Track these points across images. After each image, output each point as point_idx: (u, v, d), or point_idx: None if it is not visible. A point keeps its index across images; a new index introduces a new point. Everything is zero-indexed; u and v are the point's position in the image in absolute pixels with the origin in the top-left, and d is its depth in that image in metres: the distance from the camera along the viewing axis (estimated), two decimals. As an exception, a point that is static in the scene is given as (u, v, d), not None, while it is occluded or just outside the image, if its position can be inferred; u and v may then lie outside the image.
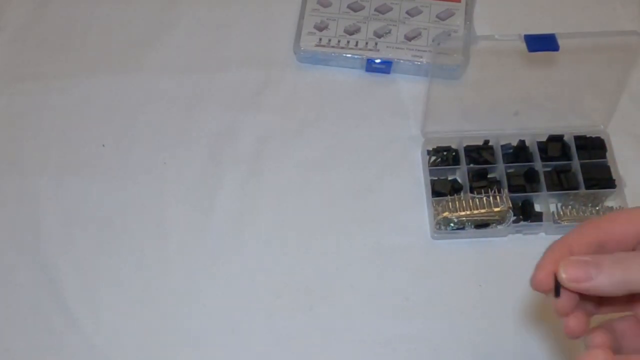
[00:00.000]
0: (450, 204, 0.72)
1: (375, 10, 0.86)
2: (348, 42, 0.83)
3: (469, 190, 0.73)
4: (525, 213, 0.73)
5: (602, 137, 0.77)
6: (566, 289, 0.41)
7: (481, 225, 0.72)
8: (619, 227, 0.43)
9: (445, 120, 0.77)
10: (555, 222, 0.72)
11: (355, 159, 0.78)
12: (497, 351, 0.68)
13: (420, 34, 0.84)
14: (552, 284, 0.41)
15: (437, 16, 0.85)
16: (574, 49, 0.69)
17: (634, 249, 0.42)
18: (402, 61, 0.82)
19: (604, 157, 0.76)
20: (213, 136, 0.80)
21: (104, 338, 0.69)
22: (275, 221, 0.75)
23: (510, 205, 0.71)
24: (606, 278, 0.40)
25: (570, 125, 0.77)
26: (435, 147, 0.78)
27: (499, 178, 0.75)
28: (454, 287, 0.71)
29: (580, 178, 0.74)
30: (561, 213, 0.73)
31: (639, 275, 0.39)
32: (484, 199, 0.72)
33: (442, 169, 0.76)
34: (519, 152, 0.76)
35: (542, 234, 0.73)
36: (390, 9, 0.86)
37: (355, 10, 0.86)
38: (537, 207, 0.74)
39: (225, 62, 0.85)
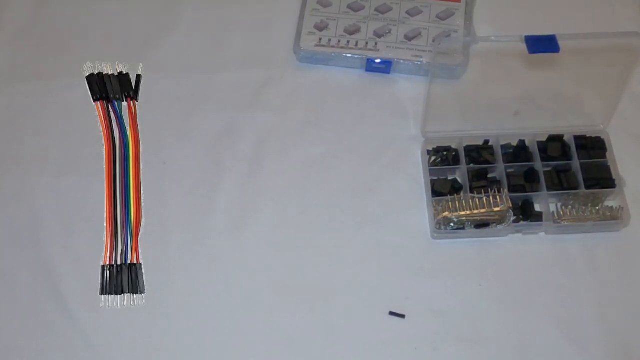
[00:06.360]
0: (450, 204, 0.72)
1: (375, 10, 0.86)
2: (348, 42, 0.83)
3: (469, 190, 0.73)
4: (525, 213, 0.73)
5: (602, 137, 0.77)
6: None
7: (481, 225, 0.72)
8: None
9: (445, 120, 0.77)
10: (555, 222, 0.72)
11: (355, 159, 0.78)
12: (497, 350, 0.68)
13: (420, 34, 0.84)
14: None
15: (437, 16, 0.85)
16: (574, 49, 0.69)
17: None
18: (402, 61, 0.82)
19: (604, 157, 0.76)
20: (213, 136, 0.80)
21: (104, 338, 0.69)
22: (275, 221, 0.75)
23: (510, 205, 0.71)
24: None
25: (570, 125, 0.77)
26: (435, 147, 0.78)
27: (499, 178, 0.75)
28: (454, 287, 0.71)
29: (580, 178, 0.74)
30: (561, 213, 0.73)
31: None
32: (484, 199, 0.72)
33: (442, 169, 0.76)
34: (519, 152, 0.76)
35: (542, 234, 0.73)
36: (390, 9, 0.86)
37: (355, 10, 0.86)
38: (537, 207, 0.74)
39: (225, 62, 0.85)
